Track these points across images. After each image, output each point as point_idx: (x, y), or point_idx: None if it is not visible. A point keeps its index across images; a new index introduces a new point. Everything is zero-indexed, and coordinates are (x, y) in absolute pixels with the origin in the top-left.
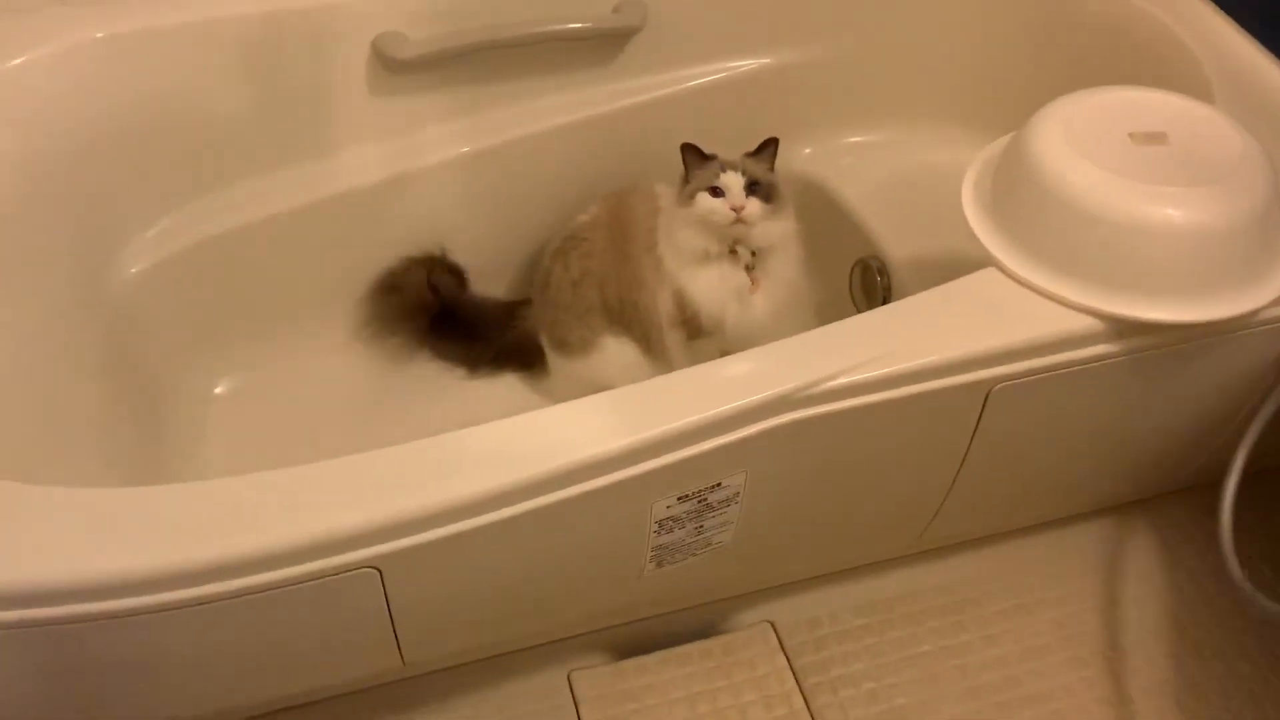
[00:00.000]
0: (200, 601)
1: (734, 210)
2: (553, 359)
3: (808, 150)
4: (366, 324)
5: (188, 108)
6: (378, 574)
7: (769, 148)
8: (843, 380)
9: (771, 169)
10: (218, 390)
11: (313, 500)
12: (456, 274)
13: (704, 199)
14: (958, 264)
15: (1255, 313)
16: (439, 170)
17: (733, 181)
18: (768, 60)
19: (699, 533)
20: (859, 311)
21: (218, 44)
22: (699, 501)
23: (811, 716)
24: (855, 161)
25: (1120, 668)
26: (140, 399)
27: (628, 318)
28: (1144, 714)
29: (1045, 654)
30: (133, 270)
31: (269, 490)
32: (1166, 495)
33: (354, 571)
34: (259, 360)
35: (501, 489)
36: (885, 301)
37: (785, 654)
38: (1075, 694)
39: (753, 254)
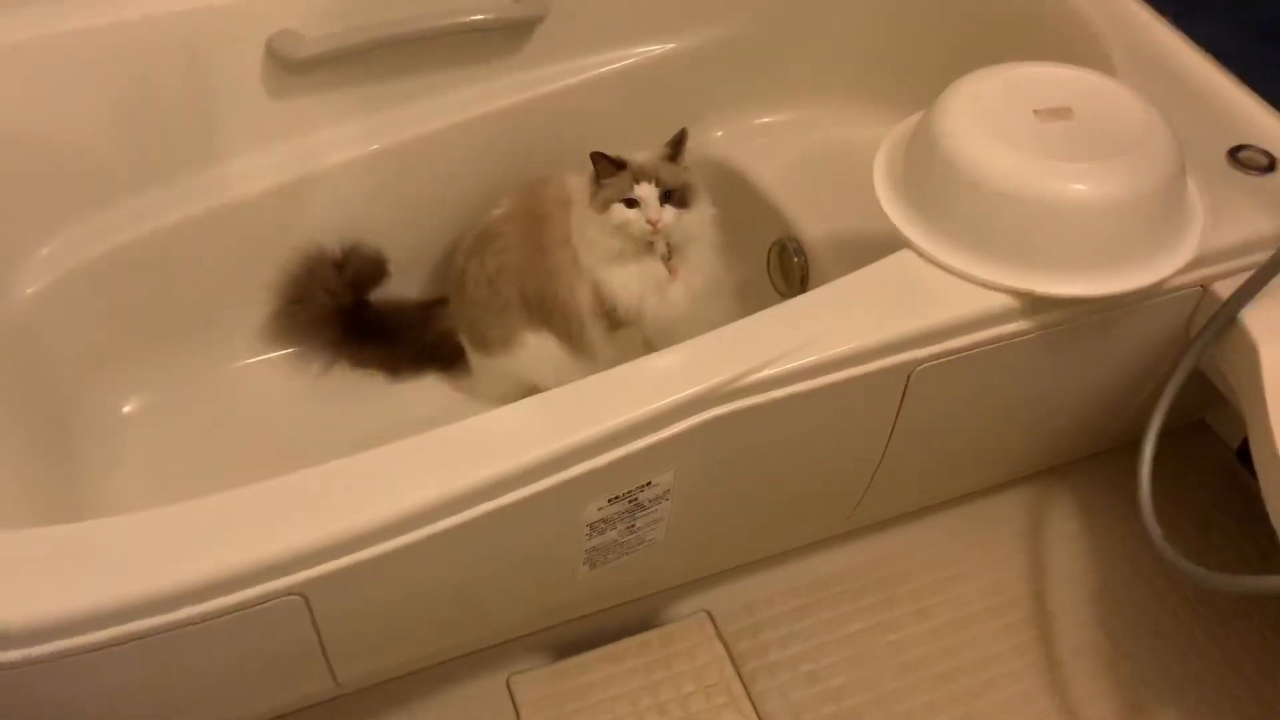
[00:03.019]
0: (115, 642)
1: (650, 223)
2: (474, 357)
3: (720, 133)
4: (276, 337)
5: (73, 120)
6: (303, 600)
7: (680, 142)
8: (766, 372)
9: (682, 159)
10: (126, 409)
11: (228, 530)
12: (375, 262)
13: (619, 210)
14: (875, 242)
15: (1165, 281)
16: (345, 171)
17: (647, 193)
18: (674, 44)
19: (631, 531)
20: (778, 292)
21: (104, 52)
22: (630, 501)
23: (751, 702)
24: (768, 142)
25: (1049, 632)
26: (46, 423)
27: (547, 311)
28: (1075, 677)
29: (977, 623)
30: (28, 291)
31: (180, 522)
32: (1086, 459)
33: (277, 600)
34: (168, 376)
35: (426, 505)
36: (804, 281)
37: (723, 641)
38: (1007, 661)
39: (668, 244)
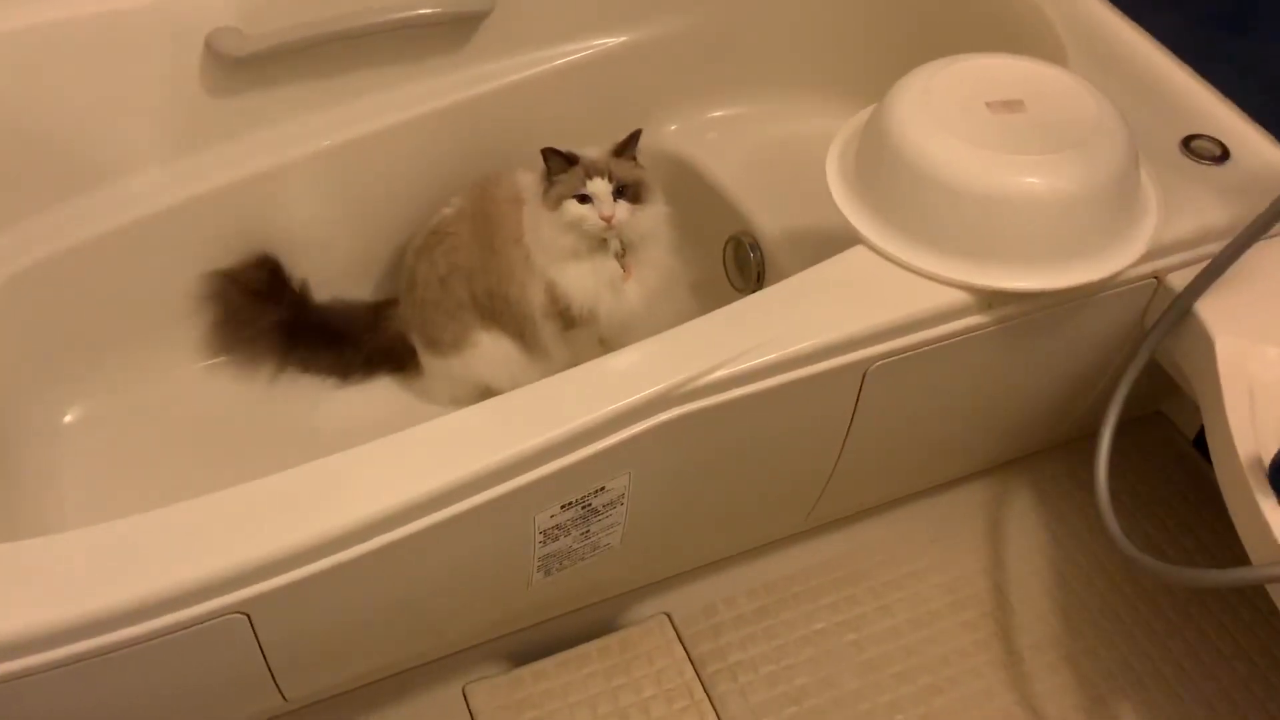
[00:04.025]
0: (50, 667)
1: (604, 219)
2: (426, 359)
3: (673, 127)
4: (222, 342)
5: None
6: (246, 618)
7: (632, 141)
8: (721, 373)
9: (636, 160)
10: (67, 419)
11: (167, 548)
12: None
13: (572, 206)
14: (830, 236)
15: (1119, 273)
16: (289, 170)
17: (600, 188)
18: (625, 37)
19: (586, 538)
20: (735, 288)
21: (36, 51)
22: (583, 508)
23: (713, 705)
24: (721, 136)
25: (1009, 627)
26: None
27: (499, 311)
28: (1035, 672)
29: (937, 620)
30: None
31: (118, 540)
32: (1044, 451)
33: (218, 619)
34: (111, 384)
35: (373, 518)
36: (760, 277)
37: (683, 644)
38: (969, 657)
39: (622, 241)
